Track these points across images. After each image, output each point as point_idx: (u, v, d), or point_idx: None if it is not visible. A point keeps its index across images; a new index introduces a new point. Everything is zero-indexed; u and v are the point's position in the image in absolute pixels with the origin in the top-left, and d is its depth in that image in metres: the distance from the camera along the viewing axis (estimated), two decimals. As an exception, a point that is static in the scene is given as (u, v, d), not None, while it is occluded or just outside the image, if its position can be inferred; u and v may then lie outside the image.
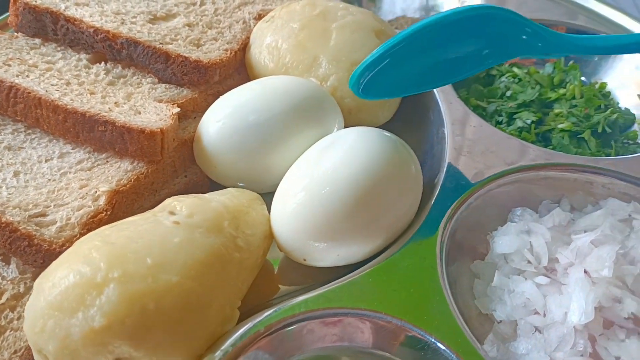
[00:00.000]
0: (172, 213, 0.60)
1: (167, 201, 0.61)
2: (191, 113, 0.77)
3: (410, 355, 0.57)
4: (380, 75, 0.62)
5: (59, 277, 0.52)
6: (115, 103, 0.71)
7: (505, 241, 0.65)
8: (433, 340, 0.56)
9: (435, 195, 0.69)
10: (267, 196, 0.69)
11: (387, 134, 0.67)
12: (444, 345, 0.55)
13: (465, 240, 0.69)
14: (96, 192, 0.65)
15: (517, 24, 0.63)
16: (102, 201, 0.64)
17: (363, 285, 0.60)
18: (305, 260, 0.64)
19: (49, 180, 0.66)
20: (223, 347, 0.55)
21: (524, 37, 0.63)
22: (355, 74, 0.62)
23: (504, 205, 0.71)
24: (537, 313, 0.60)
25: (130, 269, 0.52)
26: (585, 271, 0.59)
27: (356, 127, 0.68)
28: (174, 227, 0.57)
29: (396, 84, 0.65)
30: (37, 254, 0.59)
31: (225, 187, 0.69)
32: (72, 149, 0.71)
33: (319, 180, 0.63)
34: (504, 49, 0.64)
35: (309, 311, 0.58)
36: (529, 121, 0.85)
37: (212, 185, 0.75)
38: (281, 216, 0.64)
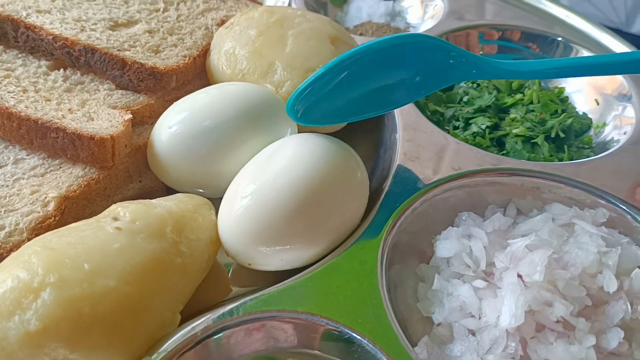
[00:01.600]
0: (115, 219, 0.61)
1: (112, 207, 0.63)
2: (148, 119, 0.78)
3: (345, 356, 0.58)
4: (316, 102, 0.65)
5: (-2, 282, 0.53)
6: (69, 110, 0.72)
7: (445, 245, 0.66)
8: (366, 342, 0.57)
9: (381, 199, 0.70)
10: (220, 201, 0.70)
11: (332, 139, 0.68)
12: (375, 347, 0.56)
13: (411, 243, 0.70)
14: (46, 197, 0.66)
15: (445, 52, 0.65)
16: (51, 207, 0.66)
17: (302, 289, 0.62)
18: (250, 264, 0.66)
19: (1, 186, 0.68)
20: (160, 350, 0.55)
21: (453, 63, 0.66)
22: (291, 100, 0.64)
23: (452, 209, 0.73)
24: (472, 316, 0.62)
25: (66, 274, 0.54)
26: (518, 275, 0.60)
27: (302, 133, 0.70)
28: (116, 233, 0.59)
29: (334, 111, 0.67)
30: (-17, 256, 0.61)
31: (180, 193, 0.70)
32: (26, 155, 0.72)
33: (263, 186, 0.65)
34: (437, 76, 0.66)
35: (246, 314, 0.59)
36: (483, 126, 0.86)
37: (168, 191, 0.76)
38: (227, 221, 0.66)
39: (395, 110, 0.81)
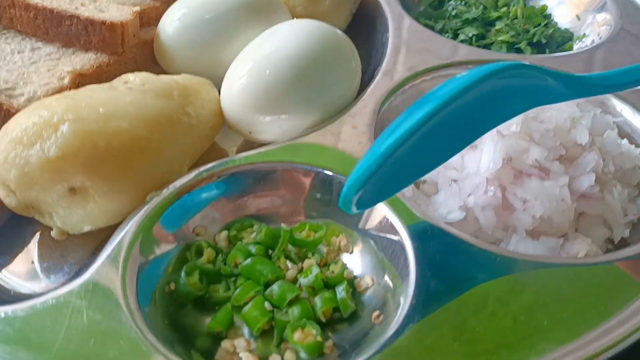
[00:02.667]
0: (126, 82, 0.67)
1: (123, 75, 0.69)
2: (154, 21, 0.84)
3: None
4: (380, 182, 0.49)
5: (21, 120, 0.60)
6: (82, 4, 0.78)
7: None
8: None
9: (372, 85, 0.75)
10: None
11: (326, 24, 0.75)
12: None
13: None
14: (61, 73, 0.72)
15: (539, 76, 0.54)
16: (66, 81, 0.72)
17: (301, 147, 0.67)
18: (250, 133, 0.71)
19: (20, 66, 0.74)
20: (170, 187, 0.62)
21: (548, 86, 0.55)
22: (346, 195, 0.50)
23: None
24: (455, 169, 0.67)
25: (83, 114, 0.60)
26: (497, 131, 0.66)
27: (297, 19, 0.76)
28: (127, 91, 0.65)
29: (402, 178, 0.53)
30: (6, 118, 0.67)
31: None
32: (42, 45, 0.78)
33: (262, 60, 0.71)
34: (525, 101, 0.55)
35: (249, 164, 0.65)
36: (470, 34, 0.92)
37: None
38: (229, 96, 0.72)
39: (388, 16, 0.87)
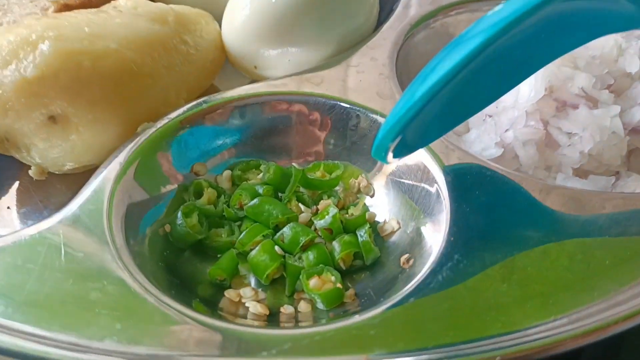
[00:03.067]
0: (115, 7, 0.59)
1: (113, 1, 0.60)
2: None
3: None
4: (421, 124, 0.43)
5: (-3, 39, 0.51)
6: None
7: None
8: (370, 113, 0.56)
9: (392, 17, 0.67)
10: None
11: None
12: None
13: (422, 63, 0.67)
14: (45, 4, 0.65)
15: None
16: (50, 12, 0.64)
17: (314, 78, 0.59)
18: (255, 68, 0.63)
19: (-1, -4, 0.65)
20: (164, 118, 0.53)
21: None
22: (382, 142, 0.44)
23: None
24: None
25: (66, 32, 0.52)
26: None
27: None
28: (117, 13, 0.56)
29: (443, 120, 0.46)
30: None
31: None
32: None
33: None
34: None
35: (255, 96, 0.56)
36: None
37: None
38: (231, 26, 0.64)
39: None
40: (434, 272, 0.42)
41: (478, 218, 0.46)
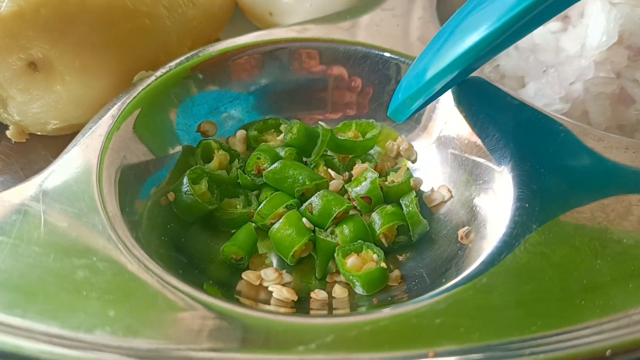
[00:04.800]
0: None
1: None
2: None
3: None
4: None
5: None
6: None
7: None
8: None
9: None
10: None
11: None
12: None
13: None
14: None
15: None
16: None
17: (344, 25, 0.49)
18: (271, 14, 0.53)
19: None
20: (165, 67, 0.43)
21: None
22: (402, 106, 0.42)
23: None
24: (549, 52, 0.48)
25: (48, -39, 0.41)
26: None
27: None
28: None
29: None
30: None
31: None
32: None
33: None
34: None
35: (273, 43, 0.46)
36: None
37: None
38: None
39: None
40: (507, 245, 0.32)
41: (554, 179, 0.36)
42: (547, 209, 0.35)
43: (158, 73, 0.44)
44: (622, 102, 0.47)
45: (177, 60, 0.44)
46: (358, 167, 0.43)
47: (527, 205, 0.35)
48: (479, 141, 0.42)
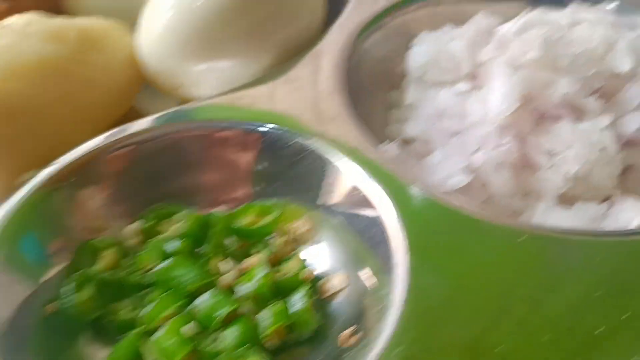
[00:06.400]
0: (4, 27, 0.47)
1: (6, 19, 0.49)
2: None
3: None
4: None
5: None
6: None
7: (420, 50, 0.52)
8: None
9: (342, 16, 0.55)
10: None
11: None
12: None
13: (379, 69, 0.56)
14: None
15: None
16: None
17: (245, 98, 0.47)
18: (179, 87, 0.52)
19: None
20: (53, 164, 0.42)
21: None
22: None
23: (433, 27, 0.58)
24: (454, 118, 0.47)
25: None
26: (510, 61, 0.46)
27: None
28: (3, 33, 0.45)
29: None
30: None
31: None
32: None
33: None
34: None
35: (168, 127, 0.45)
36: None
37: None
38: (149, 38, 0.53)
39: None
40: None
41: (440, 276, 0.35)
42: (429, 312, 0.34)
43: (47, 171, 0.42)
44: (527, 169, 0.46)
45: (69, 158, 0.43)
46: (249, 260, 0.42)
47: (407, 307, 0.34)
48: (373, 229, 0.41)
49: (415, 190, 0.41)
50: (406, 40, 0.56)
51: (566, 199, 0.45)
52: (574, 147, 0.43)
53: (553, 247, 0.38)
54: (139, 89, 0.55)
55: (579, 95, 0.45)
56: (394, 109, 0.55)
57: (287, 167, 0.46)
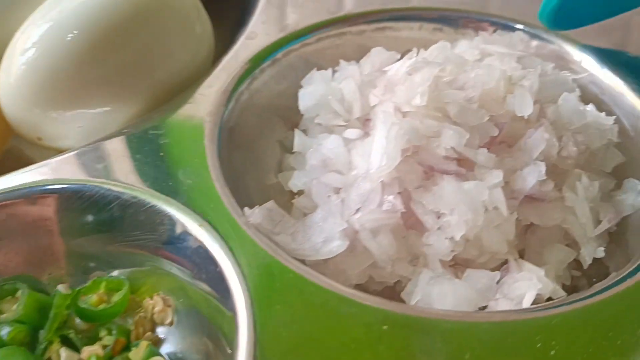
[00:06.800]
0: None
1: None
2: None
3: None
4: None
5: None
6: None
7: (309, 91, 0.46)
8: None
9: (228, 55, 0.49)
10: None
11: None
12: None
13: (274, 105, 0.50)
14: None
15: None
16: None
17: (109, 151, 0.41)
18: (40, 139, 0.46)
19: None
20: None
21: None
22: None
23: (330, 63, 0.52)
24: (337, 172, 0.41)
25: None
26: (396, 107, 0.40)
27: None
28: None
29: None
30: None
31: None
32: None
33: (52, 29, 0.48)
34: None
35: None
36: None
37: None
38: (7, 84, 0.47)
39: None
40: None
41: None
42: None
43: None
44: (413, 229, 0.40)
45: None
46: (89, 350, 0.36)
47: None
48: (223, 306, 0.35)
49: (266, 257, 0.36)
50: (304, 76, 0.50)
51: (456, 266, 0.39)
52: (459, 208, 0.37)
53: (415, 333, 0.32)
54: (7, 142, 0.49)
55: (470, 146, 0.39)
56: (287, 155, 0.49)
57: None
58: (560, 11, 0.49)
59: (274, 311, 0.34)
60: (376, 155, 0.41)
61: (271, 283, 0.35)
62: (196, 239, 0.38)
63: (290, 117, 0.52)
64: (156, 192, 0.40)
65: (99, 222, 0.41)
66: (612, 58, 0.50)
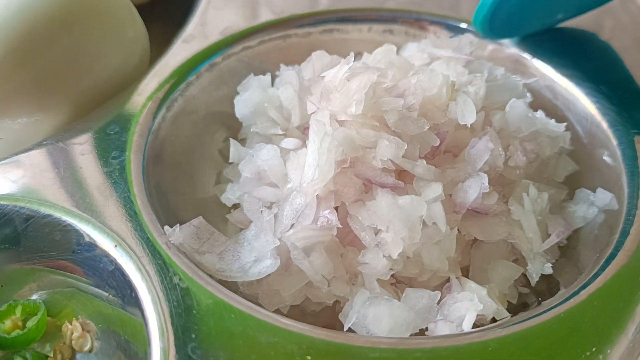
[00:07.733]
0: None
1: None
2: None
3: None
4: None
5: None
6: None
7: (244, 99, 0.43)
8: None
9: (163, 59, 0.46)
10: None
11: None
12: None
13: (216, 113, 0.47)
14: None
15: None
16: None
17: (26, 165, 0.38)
18: None
19: None
20: None
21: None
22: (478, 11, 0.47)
23: (273, 69, 0.49)
24: (270, 185, 0.38)
25: None
26: (331, 116, 0.37)
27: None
28: None
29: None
30: None
31: None
32: None
33: None
34: None
35: None
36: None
37: None
38: None
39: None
40: None
41: None
42: None
43: None
44: (351, 246, 0.37)
45: None
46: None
47: None
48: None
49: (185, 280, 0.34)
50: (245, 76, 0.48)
51: (402, 281, 0.37)
52: (393, 225, 0.34)
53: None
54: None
55: (411, 157, 0.36)
56: (226, 165, 0.46)
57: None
58: (494, 19, 0.47)
59: (189, 339, 0.31)
60: (309, 168, 0.38)
61: (188, 308, 0.32)
62: (112, 261, 0.35)
63: (232, 125, 0.49)
64: (73, 209, 0.37)
65: (11, 239, 0.37)
66: (567, 61, 0.47)
